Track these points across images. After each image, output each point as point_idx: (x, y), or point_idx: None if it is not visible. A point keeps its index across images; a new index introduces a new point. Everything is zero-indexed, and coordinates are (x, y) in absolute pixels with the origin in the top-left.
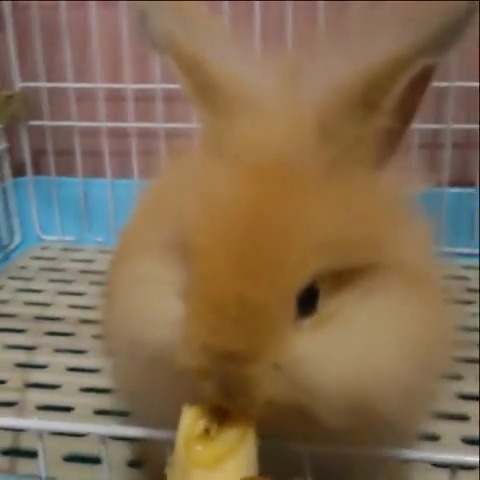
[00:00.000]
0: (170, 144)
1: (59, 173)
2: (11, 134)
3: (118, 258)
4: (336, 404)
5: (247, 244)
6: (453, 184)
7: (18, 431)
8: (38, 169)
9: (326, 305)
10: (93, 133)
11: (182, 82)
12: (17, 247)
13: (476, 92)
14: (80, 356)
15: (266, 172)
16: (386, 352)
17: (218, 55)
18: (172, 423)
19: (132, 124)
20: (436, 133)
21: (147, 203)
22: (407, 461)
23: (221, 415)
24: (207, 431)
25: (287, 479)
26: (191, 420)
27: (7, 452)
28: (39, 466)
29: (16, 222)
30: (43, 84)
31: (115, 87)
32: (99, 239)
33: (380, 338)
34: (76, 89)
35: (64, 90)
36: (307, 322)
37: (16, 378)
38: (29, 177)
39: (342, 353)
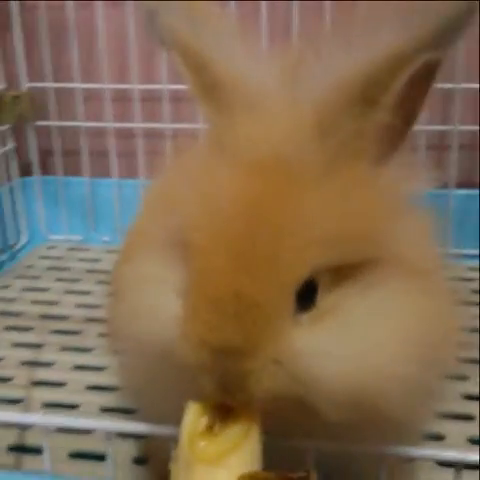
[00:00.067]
0: (176, 144)
1: (66, 173)
2: (18, 134)
3: (123, 258)
4: (336, 398)
5: (245, 240)
6: (460, 186)
7: (23, 428)
8: (45, 169)
9: (325, 300)
10: (100, 133)
11: (188, 80)
12: (24, 246)
13: None
14: (86, 354)
15: (264, 169)
16: (386, 347)
17: (223, 53)
18: (177, 420)
19: (139, 124)
20: (443, 135)
21: (151, 202)
22: (411, 459)
23: (225, 411)
24: (211, 427)
25: (290, 473)
26: (195, 416)
27: (12, 449)
28: (44, 461)
29: (23, 222)
30: (50, 84)
31: (122, 87)
32: (105, 239)
33: (380, 332)
34: (83, 89)
35: (71, 90)
36: (306, 317)
37: (22, 376)
38: (36, 177)
39: (341, 347)
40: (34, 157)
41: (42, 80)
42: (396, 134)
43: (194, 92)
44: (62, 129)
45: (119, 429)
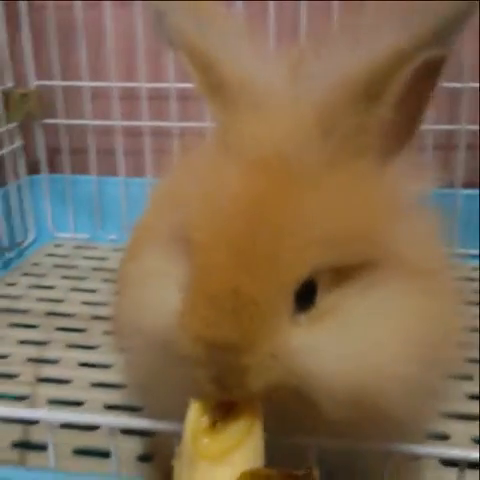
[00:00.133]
0: (183, 143)
1: (73, 171)
2: (26, 132)
3: (128, 254)
4: (335, 396)
5: (245, 238)
6: (467, 185)
7: (28, 424)
8: (53, 167)
9: (325, 300)
10: (107, 131)
11: (195, 79)
12: (31, 244)
13: None
14: (91, 351)
15: (267, 168)
16: (386, 347)
17: (229, 53)
18: (181, 417)
19: (146, 123)
20: (450, 134)
21: (157, 199)
22: (415, 457)
23: (227, 408)
24: (214, 424)
25: (292, 470)
26: (198, 413)
27: (17, 445)
28: (49, 457)
29: (30, 219)
30: (58, 83)
31: (129, 86)
32: (112, 237)
33: (379, 332)
34: (91, 88)
35: (79, 89)
36: (305, 317)
37: (28, 372)
38: (43, 175)
39: (339, 346)
40: (42, 155)
41: (50, 79)
42: (401, 132)
43: (201, 91)
44: (70, 127)
45: (123, 425)
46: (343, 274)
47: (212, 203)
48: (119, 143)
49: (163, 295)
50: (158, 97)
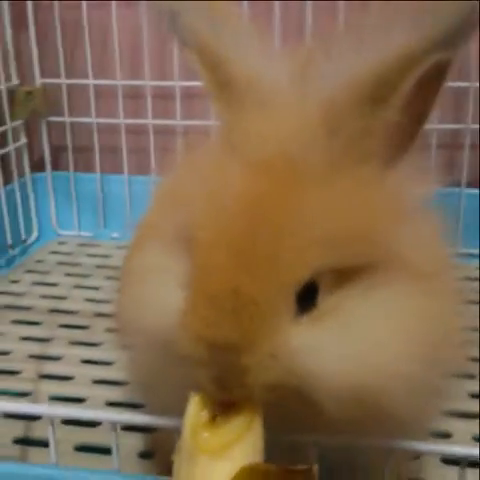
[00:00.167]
0: (188, 141)
1: (77, 169)
2: (31, 130)
3: (131, 252)
4: (336, 395)
5: (246, 238)
6: (471, 185)
7: (30, 420)
8: (57, 165)
9: (326, 301)
10: (112, 129)
11: (203, 77)
12: (34, 242)
13: None
14: (94, 349)
15: (270, 168)
16: (387, 347)
17: (239, 52)
18: (183, 414)
19: (150, 121)
20: (455, 133)
21: (160, 197)
22: (416, 455)
23: (228, 403)
24: (214, 418)
25: (292, 465)
26: (198, 407)
27: (18, 441)
28: (50, 452)
29: (34, 217)
30: (63, 81)
31: (134, 84)
32: (115, 235)
33: (381, 333)
34: (96, 86)
35: (84, 87)
36: (306, 317)
37: (30, 369)
38: (47, 173)
39: (340, 346)
40: (46, 153)
41: (56, 77)
42: (406, 135)
43: (208, 90)
44: (74, 125)
45: (124, 420)
46: (345, 276)
47: (215, 202)
48: (123, 141)
49: (164, 294)
50: (163, 95)
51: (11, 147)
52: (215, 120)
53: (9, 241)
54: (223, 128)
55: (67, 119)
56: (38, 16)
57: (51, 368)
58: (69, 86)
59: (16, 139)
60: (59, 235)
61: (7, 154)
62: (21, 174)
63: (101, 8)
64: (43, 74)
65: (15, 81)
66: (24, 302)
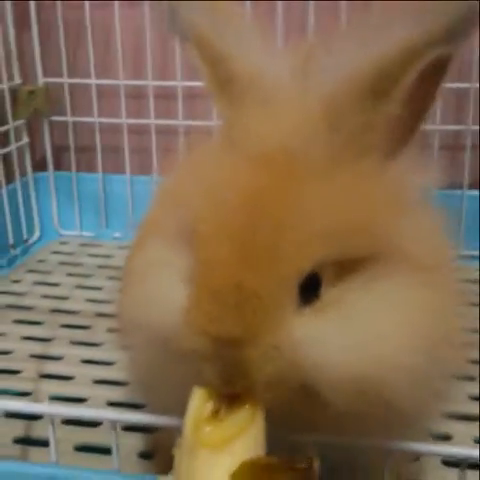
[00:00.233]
0: (189, 141)
1: (80, 169)
2: (33, 129)
3: (133, 250)
4: (339, 387)
5: (248, 232)
6: (472, 186)
7: (30, 419)
8: (59, 164)
9: (329, 293)
10: (114, 129)
11: (204, 73)
12: (36, 242)
13: None
14: (95, 349)
15: (271, 162)
16: (390, 338)
17: (239, 48)
18: (184, 414)
19: (152, 121)
20: (456, 134)
21: (161, 195)
22: (416, 456)
23: (230, 397)
24: (216, 412)
25: (293, 458)
26: (200, 401)
27: (19, 440)
28: (50, 451)
29: (36, 217)
30: (65, 80)
31: (136, 84)
32: (117, 235)
33: (383, 324)
34: (98, 85)
35: (86, 86)
36: (309, 309)
37: (31, 369)
38: (49, 172)
39: (342, 338)
40: (48, 152)
41: (58, 76)
42: (406, 129)
43: (209, 86)
44: (77, 125)
45: (124, 419)
46: (347, 268)
47: (217, 196)
48: (126, 141)
49: (166, 290)
50: (165, 95)
51: (13, 146)
52: (217, 120)
53: (11, 241)
54: (224, 124)
55: (69, 118)
56: (41, 16)
57: (52, 368)
58: (71, 85)
59: (18, 138)
60: (61, 235)
61: (9, 153)
62: (23, 174)
63: (104, 8)
64: (45, 73)
65: (17, 80)
66: (25, 302)
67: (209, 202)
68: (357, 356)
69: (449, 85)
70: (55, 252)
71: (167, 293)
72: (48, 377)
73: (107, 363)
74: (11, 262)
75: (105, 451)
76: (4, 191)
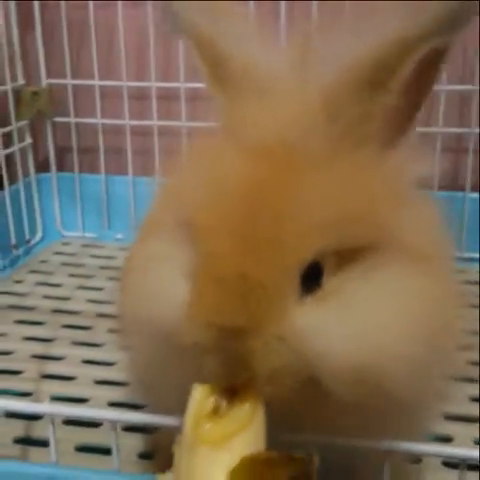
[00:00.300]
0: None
1: (82, 170)
2: (36, 130)
3: (132, 250)
4: (341, 375)
5: (249, 224)
6: (475, 189)
7: (31, 419)
8: (62, 165)
9: (330, 282)
10: (117, 131)
11: (200, 67)
12: (39, 242)
13: None
14: (96, 349)
15: (270, 154)
16: (389, 328)
17: (235, 40)
18: (184, 413)
19: (156, 122)
20: (459, 137)
21: (162, 194)
22: (416, 457)
23: (230, 393)
24: (216, 409)
25: (293, 453)
26: (201, 398)
27: (19, 441)
28: (50, 451)
29: (38, 217)
30: (69, 81)
31: (139, 85)
32: (119, 236)
33: (382, 313)
34: (101, 87)
35: (90, 87)
36: (311, 298)
37: (32, 369)
38: (52, 173)
39: (342, 326)
40: (51, 153)
41: (61, 77)
42: (404, 119)
43: (207, 81)
44: (79, 126)
45: (124, 419)
46: (347, 257)
47: (217, 189)
48: (128, 142)
49: (168, 284)
50: (168, 97)
51: (16, 147)
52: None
53: (13, 241)
54: (222, 117)
55: (72, 120)
56: (44, 16)
57: (53, 368)
58: (75, 87)
59: (21, 139)
60: (63, 236)
61: (12, 154)
62: (26, 174)
63: (107, 8)
64: (49, 74)
65: (21, 81)
66: (27, 302)
67: (209, 195)
68: (357, 345)
69: (452, 87)
70: (57, 253)
71: (168, 288)
72: (49, 377)
73: (108, 363)
74: (13, 263)
75: (105, 451)
76: (7, 192)
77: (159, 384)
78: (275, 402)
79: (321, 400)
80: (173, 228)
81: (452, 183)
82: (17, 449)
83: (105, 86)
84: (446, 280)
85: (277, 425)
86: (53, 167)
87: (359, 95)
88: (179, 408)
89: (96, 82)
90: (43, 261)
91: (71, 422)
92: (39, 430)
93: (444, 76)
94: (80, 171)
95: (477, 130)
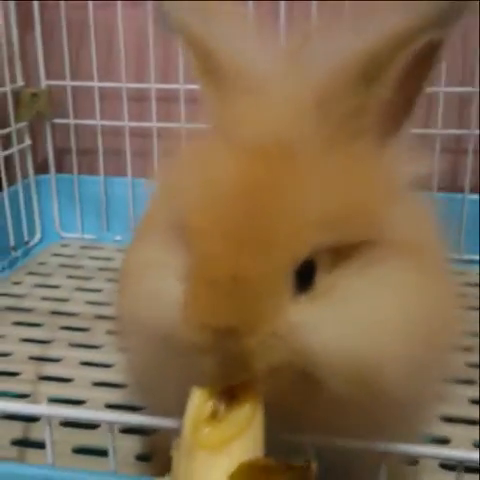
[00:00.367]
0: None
1: (81, 171)
2: (35, 132)
3: (128, 253)
4: (336, 372)
5: (243, 222)
6: (474, 190)
7: (28, 421)
8: (61, 167)
9: (324, 280)
10: (116, 132)
11: (194, 66)
12: (37, 244)
13: None
14: (94, 351)
15: (264, 152)
16: (385, 323)
17: (227, 39)
18: (182, 415)
19: (155, 124)
20: (459, 138)
21: (159, 191)
22: (413, 459)
23: (229, 397)
24: (215, 413)
25: (291, 461)
26: (199, 402)
27: (16, 442)
28: (47, 452)
29: (37, 219)
30: (68, 82)
31: (138, 87)
32: (118, 238)
33: (380, 309)
34: (100, 88)
35: (89, 89)
36: (305, 296)
37: (30, 370)
38: (51, 175)
39: (338, 323)
40: (50, 155)
41: (61, 78)
42: (399, 114)
43: (199, 79)
44: (79, 127)
45: (121, 421)
46: (342, 254)
47: (210, 191)
48: (127, 144)
49: (162, 286)
50: (167, 98)
51: (15, 149)
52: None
53: (12, 243)
54: (215, 117)
55: (71, 121)
56: (44, 16)
57: (51, 370)
58: (74, 88)
59: (20, 141)
60: (62, 237)
61: (11, 155)
62: (25, 176)
63: (106, 8)
64: (48, 76)
65: (20, 83)
66: (25, 304)
67: (203, 196)
68: (354, 341)
69: (452, 89)
70: (56, 254)
71: (163, 289)
72: (47, 379)
73: (106, 365)
74: (12, 264)
75: (103, 453)
76: (6, 193)
77: (157, 386)
78: (274, 401)
79: (319, 398)
80: (167, 230)
81: (451, 184)
82: (14, 451)
83: (104, 87)
84: (443, 279)
85: (276, 426)
86: (52, 168)
87: (354, 89)
88: (177, 410)
89: (95, 84)
90: (42, 263)
91: (68, 424)
92: (36, 432)
93: (443, 78)
94: (79, 172)
95: (476, 131)
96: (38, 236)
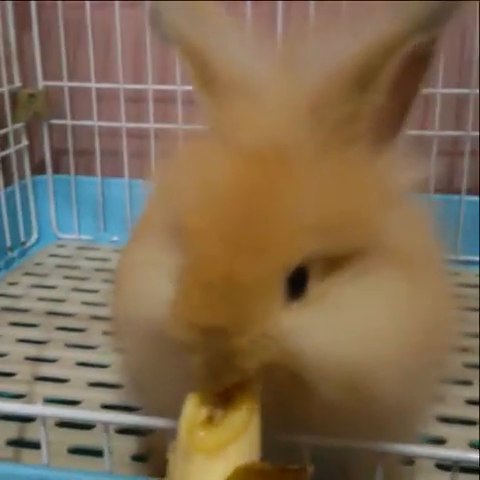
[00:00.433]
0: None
1: (78, 172)
2: (32, 132)
3: (124, 254)
4: (329, 377)
5: (237, 226)
6: (471, 192)
7: (23, 421)
8: (58, 167)
9: (316, 287)
10: (113, 133)
11: (189, 72)
12: (34, 244)
13: None
14: (90, 351)
15: (259, 158)
16: (376, 331)
17: (221, 46)
18: (178, 414)
19: (152, 125)
20: (455, 140)
21: (155, 192)
22: (409, 459)
23: (225, 401)
24: (211, 417)
25: (286, 465)
26: (195, 406)
27: (12, 443)
28: (42, 452)
29: (34, 220)
30: (65, 83)
31: (136, 88)
32: (115, 238)
33: (371, 317)
34: (98, 89)
35: (86, 90)
36: (297, 303)
37: (26, 371)
38: (48, 175)
39: (329, 329)
40: (47, 155)
41: (58, 79)
42: (393, 119)
43: (194, 83)
44: (76, 128)
45: (116, 421)
46: (335, 263)
47: (206, 193)
48: (124, 145)
49: (155, 285)
50: (165, 99)
51: (12, 149)
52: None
53: (8, 243)
54: (211, 120)
55: (69, 122)
56: (41, 16)
57: (47, 370)
58: (71, 89)
59: (17, 141)
60: (59, 238)
61: (8, 156)
62: (22, 176)
63: (103, 8)
64: (45, 76)
65: (17, 83)
66: (21, 304)
67: (199, 198)
68: (345, 348)
69: (449, 91)
70: (52, 255)
71: (155, 289)
72: (43, 379)
73: (102, 366)
74: (8, 264)
75: (98, 453)
76: (2, 194)
77: (152, 386)
78: (269, 405)
79: (311, 404)
80: (164, 231)
81: (448, 186)
82: (10, 451)
83: (102, 88)
84: (437, 283)
85: (272, 429)
86: (49, 169)
87: (347, 95)
88: (173, 410)
89: (93, 84)
90: (38, 263)
91: (64, 424)
92: (32, 432)
93: (440, 79)
94: (76, 173)
95: (473, 133)
96: (35, 237)
